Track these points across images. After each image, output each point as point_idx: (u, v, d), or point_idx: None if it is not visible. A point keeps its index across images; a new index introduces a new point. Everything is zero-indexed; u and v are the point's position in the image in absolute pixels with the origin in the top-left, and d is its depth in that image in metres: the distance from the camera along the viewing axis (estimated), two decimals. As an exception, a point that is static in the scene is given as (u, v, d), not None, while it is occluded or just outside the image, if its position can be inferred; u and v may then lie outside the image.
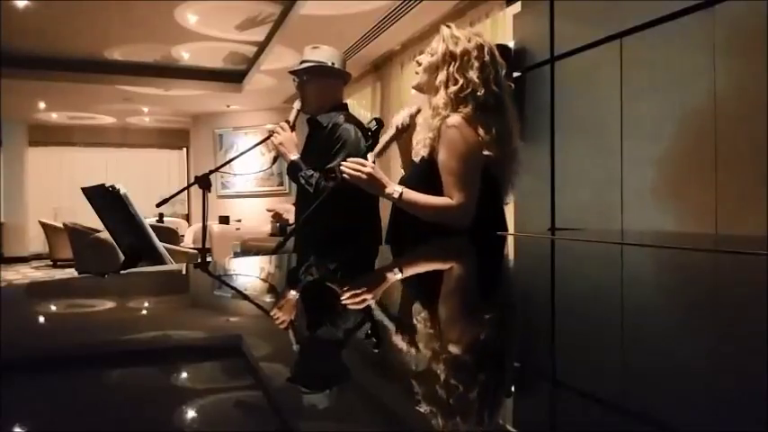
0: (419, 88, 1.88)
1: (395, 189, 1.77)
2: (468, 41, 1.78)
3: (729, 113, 2.25)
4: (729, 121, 2.25)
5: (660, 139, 2.53)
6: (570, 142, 3.08)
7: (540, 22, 3.23)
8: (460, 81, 1.74)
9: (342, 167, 1.80)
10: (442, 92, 1.77)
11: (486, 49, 1.79)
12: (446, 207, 1.74)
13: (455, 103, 1.75)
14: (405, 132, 1.92)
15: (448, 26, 1.85)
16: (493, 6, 4.68)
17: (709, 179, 2.29)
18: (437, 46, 1.81)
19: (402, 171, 2.02)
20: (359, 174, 1.77)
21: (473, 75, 1.75)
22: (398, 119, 1.92)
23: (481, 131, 1.73)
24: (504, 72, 1.83)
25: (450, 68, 1.76)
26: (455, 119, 1.73)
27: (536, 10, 3.32)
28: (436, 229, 1.76)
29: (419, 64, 1.86)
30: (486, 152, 1.74)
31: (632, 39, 2.66)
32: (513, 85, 1.87)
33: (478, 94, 1.74)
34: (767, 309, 0.76)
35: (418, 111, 1.90)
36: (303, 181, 2.29)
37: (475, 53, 1.77)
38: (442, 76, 1.77)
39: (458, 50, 1.76)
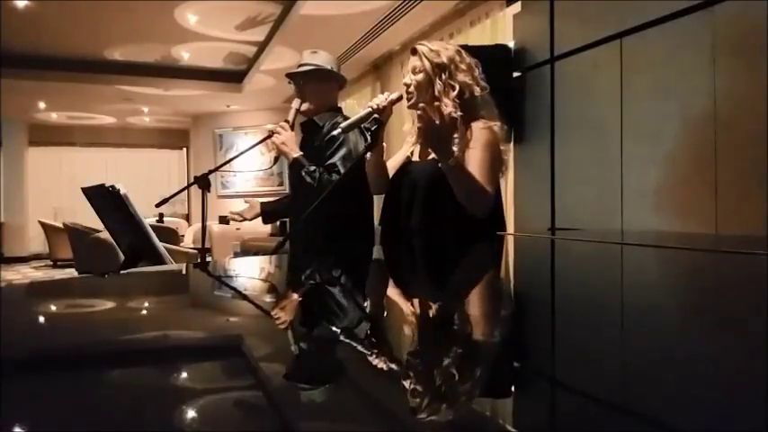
0: (414, 107, 1.90)
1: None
2: (447, 50, 1.89)
3: (729, 113, 2.25)
4: (729, 121, 2.25)
5: (660, 139, 2.53)
6: (570, 142, 3.08)
7: (540, 22, 3.23)
8: (456, 86, 1.84)
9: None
10: (445, 99, 1.84)
11: (463, 53, 1.90)
12: (483, 190, 1.78)
13: (462, 107, 1.83)
14: (380, 116, 1.88)
15: (422, 44, 1.92)
16: (493, 6, 4.67)
17: (710, 179, 2.29)
18: (420, 64, 1.88)
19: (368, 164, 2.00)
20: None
21: (464, 77, 1.85)
22: (376, 100, 1.90)
23: (497, 129, 1.86)
24: (480, 69, 1.93)
25: (443, 77, 1.85)
26: (484, 122, 1.84)
27: (536, 10, 3.32)
28: (434, 214, 1.81)
29: (407, 86, 1.90)
30: (503, 147, 1.88)
31: (632, 39, 2.66)
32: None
33: (475, 94, 1.85)
34: (767, 309, 0.76)
35: (399, 98, 1.91)
36: (306, 176, 2.33)
37: (457, 58, 1.87)
38: (438, 87, 1.85)
39: (443, 60, 1.85)
